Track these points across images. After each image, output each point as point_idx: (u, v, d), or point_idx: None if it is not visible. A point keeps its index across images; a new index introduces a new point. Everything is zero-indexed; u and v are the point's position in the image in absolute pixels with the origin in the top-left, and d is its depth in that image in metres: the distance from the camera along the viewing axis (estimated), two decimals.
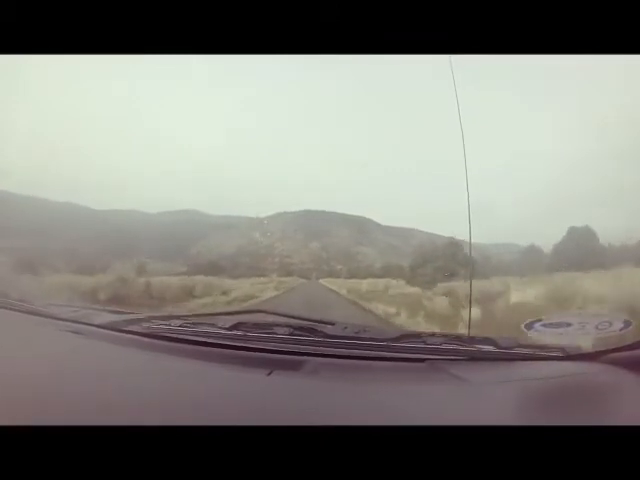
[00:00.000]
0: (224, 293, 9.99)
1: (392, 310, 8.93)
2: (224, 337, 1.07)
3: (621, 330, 1.03)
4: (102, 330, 1.15)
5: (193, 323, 1.19)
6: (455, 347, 1.06)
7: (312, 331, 1.09)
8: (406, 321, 7.40)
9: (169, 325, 1.17)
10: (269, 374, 0.84)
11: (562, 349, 1.05)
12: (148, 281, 9.89)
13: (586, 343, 1.05)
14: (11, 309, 1.36)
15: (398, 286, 15.37)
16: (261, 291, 13.29)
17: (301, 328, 1.11)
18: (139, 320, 1.22)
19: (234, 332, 1.10)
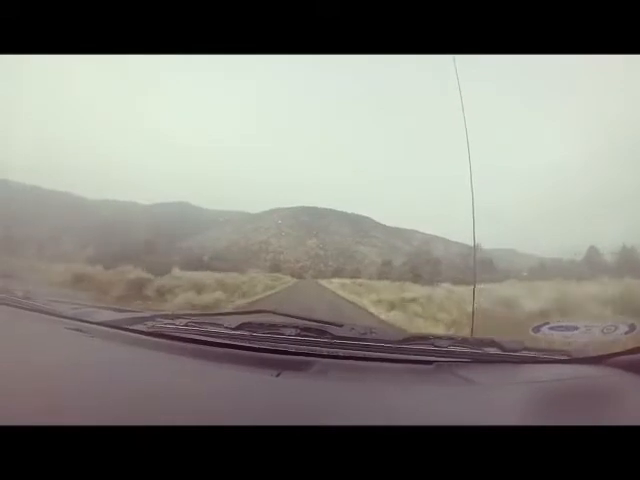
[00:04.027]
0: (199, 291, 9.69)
1: (392, 311, 8.94)
2: (230, 337, 1.05)
3: (626, 334, 1.03)
4: (105, 328, 1.13)
5: (199, 322, 1.18)
6: (462, 349, 1.05)
7: (320, 332, 1.08)
8: (406, 323, 7.40)
9: (174, 324, 1.16)
10: (278, 375, 0.83)
11: (568, 352, 1.05)
12: (139, 275, 9.67)
13: (592, 346, 1.05)
14: (13, 305, 1.35)
15: (398, 287, 15.39)
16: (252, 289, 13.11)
17: (308, 329, 1.10)
18: (143, 319, 1.20)
19: (240, 332, 1.08)
